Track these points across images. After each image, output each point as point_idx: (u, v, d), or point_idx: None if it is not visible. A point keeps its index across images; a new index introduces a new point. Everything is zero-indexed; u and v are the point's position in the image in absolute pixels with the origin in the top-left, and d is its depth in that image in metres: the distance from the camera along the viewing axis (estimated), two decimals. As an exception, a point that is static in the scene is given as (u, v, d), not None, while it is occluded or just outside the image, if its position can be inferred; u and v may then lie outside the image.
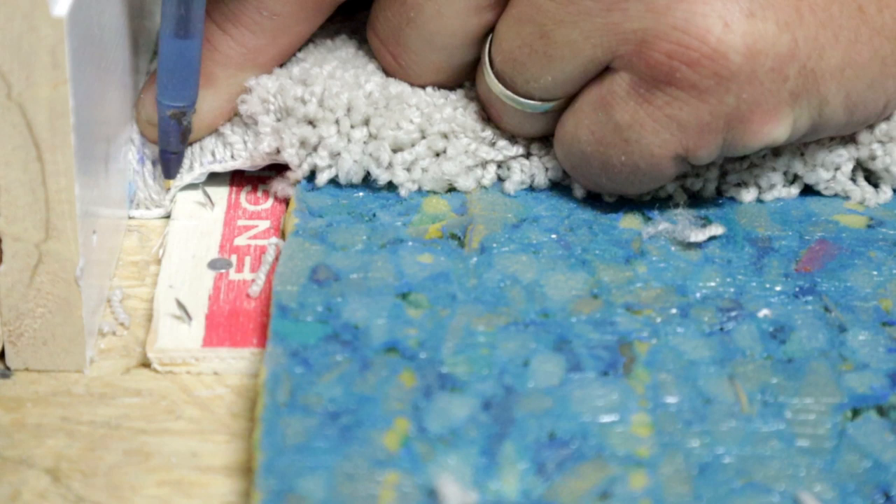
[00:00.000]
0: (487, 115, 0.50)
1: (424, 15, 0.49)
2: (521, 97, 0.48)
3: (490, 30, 0.49)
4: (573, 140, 0.48)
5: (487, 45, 0.49)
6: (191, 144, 0.51)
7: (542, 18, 0.46)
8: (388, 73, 0.51)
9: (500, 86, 0.49)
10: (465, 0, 0.48)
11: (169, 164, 0.50)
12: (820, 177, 0.50)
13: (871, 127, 0.50)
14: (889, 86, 0.47)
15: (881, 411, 0.42)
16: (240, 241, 0.49)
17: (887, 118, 0.50)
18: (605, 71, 0.47)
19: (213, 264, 0.48)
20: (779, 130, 0.46)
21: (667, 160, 0.47)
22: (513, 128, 0.50)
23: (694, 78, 0.45)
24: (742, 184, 0.50)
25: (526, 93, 0.48)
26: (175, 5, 0.47)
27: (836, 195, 0.51)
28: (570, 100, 0.48)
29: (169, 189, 0.51)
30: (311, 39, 0.52)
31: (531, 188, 0.50)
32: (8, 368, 0.44)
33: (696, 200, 0.50)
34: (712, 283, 0.46)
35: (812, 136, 0.48)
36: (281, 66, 0.51)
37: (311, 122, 0.50)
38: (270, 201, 0.51)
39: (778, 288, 0.46)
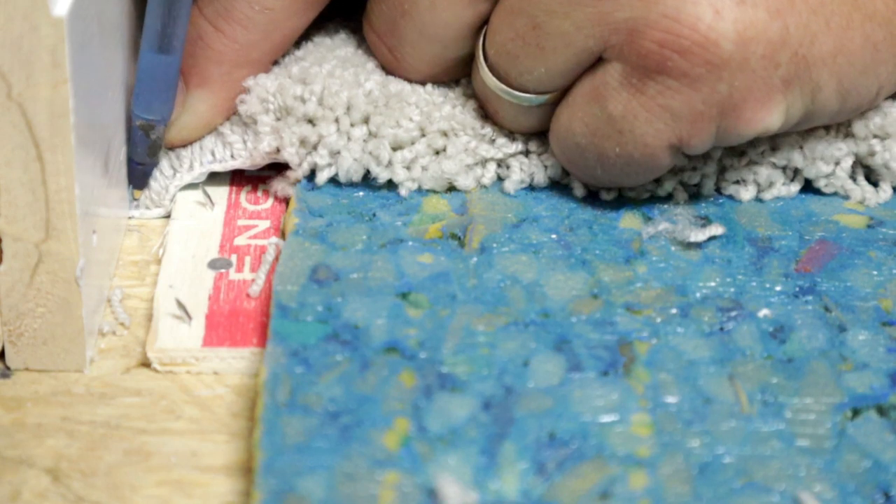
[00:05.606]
0: (485, 112, 0.50)
1: (419, 7, 0.49)
2: (515, 90, 0.48)
3: (484, 22, 0.49)
4: (568, 133, 0.48)
5: (482, 39, 0.49)
6: (190, 144, 0.51)
7: (534, 10, 0.46)
8: (384, 66, 0.51)
9: (494, 79, 0.49)
10: None
11: (135, 173, 0.50)
12: (819, 170, 0.50)
13: (868, 122, 0.50)
14: (881, 72, 0.47)
15: (881, 411, 0.42)
16: (240, 240, 0.49)
17: (884, 114, 0.50)
18: (597, 62, 0.47)
19: (213, 264, 0.48)
20: (772, 118, 0.46)
21: (661, 150, 0.47)
22: (509, 123, 0.50)
23: (685, 66, 0.45)
24: (741, 181, 0.50)
25: (520, 86, 0.48)
26: (157, 20, 0.47)
27: (835, 194, 0.51)
28: (564, 92, 0.48)
29: (138, 198, 0.51)
30: (310, 38, 0.52)
31: (531, 187, 0.50)
32: (8, 368, 0.44)
33: (696, 200, 0.50)
34: (712, 283, 0.46)
35: (806, 123, 0.48)
36: (280, 65, 0.51)
37: (310, 121, 0.50)
38: (270, 201, 0.51)
39: (778, 288, 0.46)
